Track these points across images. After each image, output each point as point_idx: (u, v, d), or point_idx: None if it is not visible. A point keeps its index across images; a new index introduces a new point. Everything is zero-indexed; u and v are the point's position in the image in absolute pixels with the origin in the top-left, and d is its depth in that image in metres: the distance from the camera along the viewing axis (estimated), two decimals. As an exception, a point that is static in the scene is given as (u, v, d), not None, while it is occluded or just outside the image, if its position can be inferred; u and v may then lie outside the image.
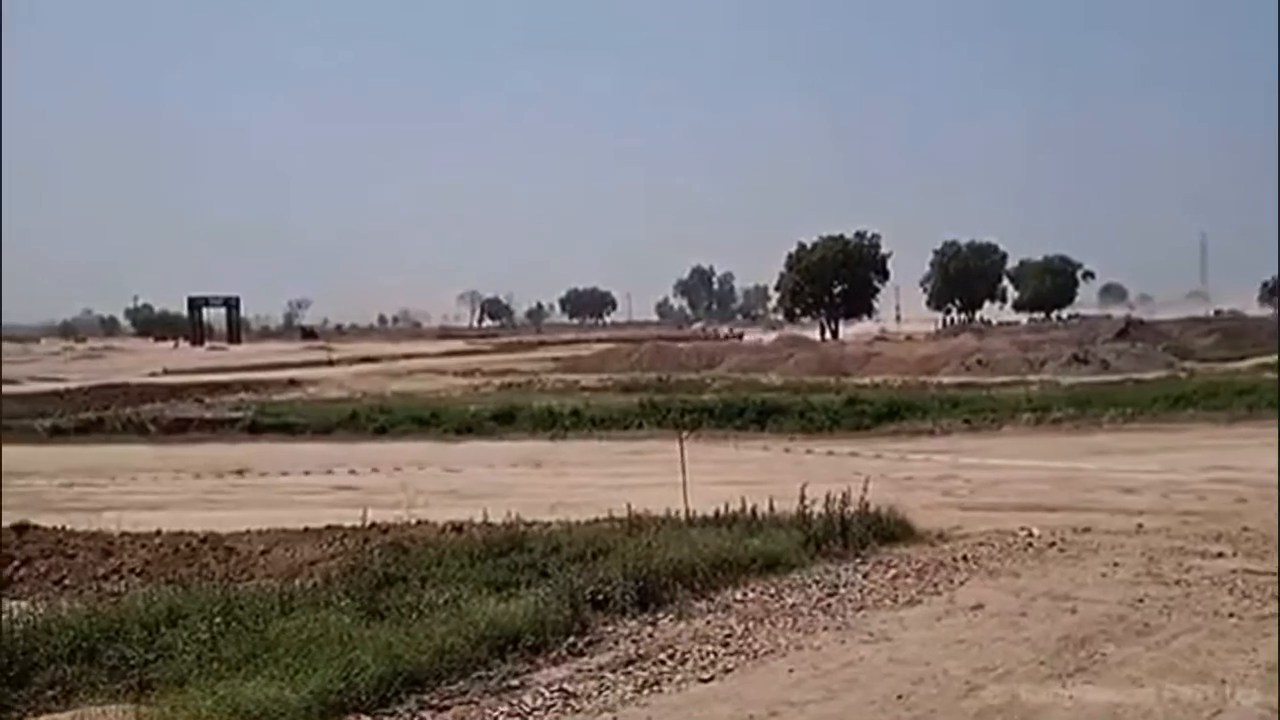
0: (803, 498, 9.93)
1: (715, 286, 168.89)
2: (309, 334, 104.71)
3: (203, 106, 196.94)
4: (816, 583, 8.65)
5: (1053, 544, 10.02)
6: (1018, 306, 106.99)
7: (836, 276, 77.07)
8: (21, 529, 12.32)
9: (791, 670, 6.61)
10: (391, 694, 5.96)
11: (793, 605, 8.04)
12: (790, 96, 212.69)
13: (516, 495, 13.62)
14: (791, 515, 10.01)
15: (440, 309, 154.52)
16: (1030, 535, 10.36)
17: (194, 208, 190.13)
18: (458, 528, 10.89)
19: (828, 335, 72.35)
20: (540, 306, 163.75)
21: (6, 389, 38.23)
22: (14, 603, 8.53)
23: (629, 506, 10.17)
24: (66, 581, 11.10)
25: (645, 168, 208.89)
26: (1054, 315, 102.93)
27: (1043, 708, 5.87)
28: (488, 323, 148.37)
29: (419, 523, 11.41)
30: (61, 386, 39.18)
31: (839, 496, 10.01)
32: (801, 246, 79.56)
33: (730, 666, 6.71)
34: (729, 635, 7.29)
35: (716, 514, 10.27)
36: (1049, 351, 40.65)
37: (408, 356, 59.69)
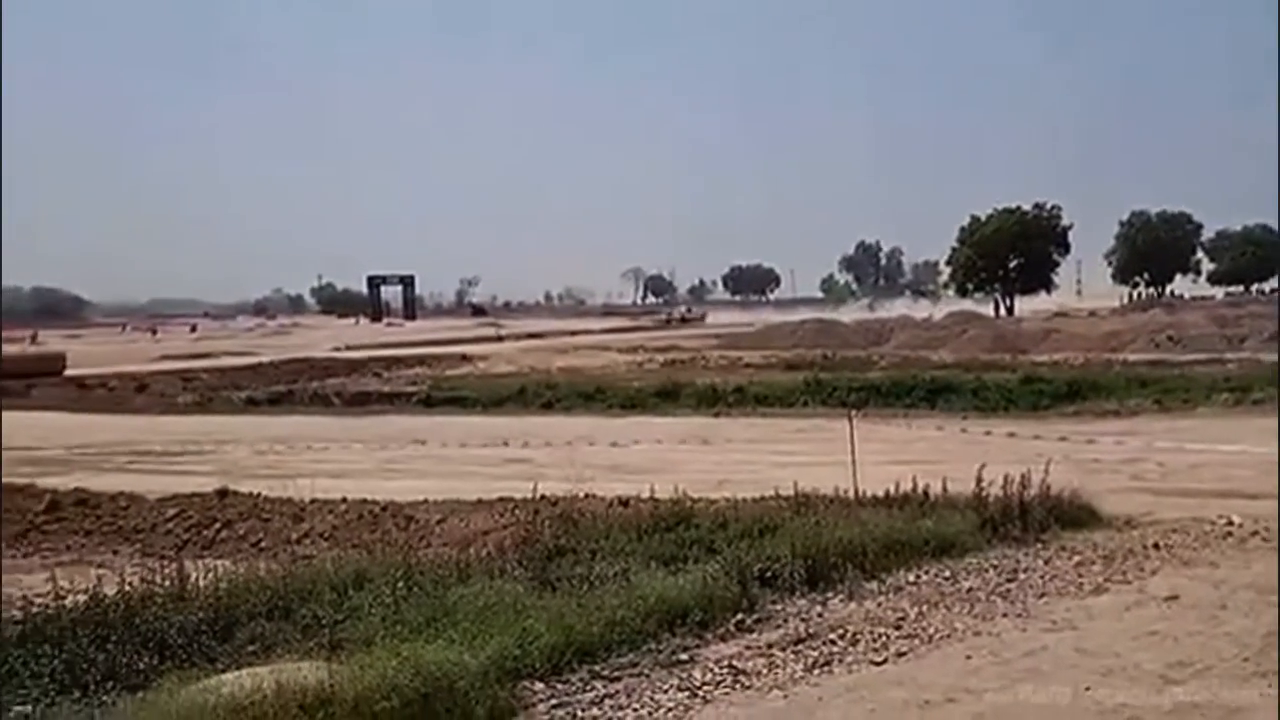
0: (979, 479, 9.57)
1: (882, 262, 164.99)
2: (479, 311, 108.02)
3: (378, 90, 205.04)
4: (994, 567, 8.33)
5: (1255, 533, 9.33)
6: (1213, 280, 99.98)
7: (1013, 250, 73.87)
8: (222, 494, 13.21)
9: (969, 656, 6.38)
10: (564, 663, 6.07)
11: (969, 590, 7.76)
12: (962, 61, 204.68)
13: (681, 471, 13.65)
14: (966, 497, 9.66)
15: (604, 286, 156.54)
16: (1230, 523, 9.67)
17: (373, 190, 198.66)
18: (624, 502, 11.02)
19: (1002, 311, 69.63)
20: (702, 283, 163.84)
21: (207, 363, 41.09)
22: (217, 562, 9.17)
23: (795, 485, 10.05)
24: (262, 544, 11.86)
25: (807, 140, 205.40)
26: (1254, 289, 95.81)
27: (1246, 708, 5.47)
28: (650, 299, 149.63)
29: (587, 496, 11.60)
30: (255, 360, 41.74)
31: (1017, 479, 9.61)
32: (975, 219, 76.56)
33: (903, 650, 6.54)
34: (901, 618, 7.11)
35: (886, 494, 10.03)
36: (1249, 327, 37.92)
37: (573, 333, 60.82)
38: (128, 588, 6.94)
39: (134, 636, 6.16)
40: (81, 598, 6.86)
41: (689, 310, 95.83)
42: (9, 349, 44.21)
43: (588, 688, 5.92)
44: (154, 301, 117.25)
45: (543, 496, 11.35)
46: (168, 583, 7.18)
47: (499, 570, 7.63)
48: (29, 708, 5.16)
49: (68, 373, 36.79)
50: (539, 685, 5.86)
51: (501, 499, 12.25)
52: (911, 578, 8.06)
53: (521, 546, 8.68)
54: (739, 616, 7.04)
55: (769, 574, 7.73)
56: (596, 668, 6.15)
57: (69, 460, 18.22)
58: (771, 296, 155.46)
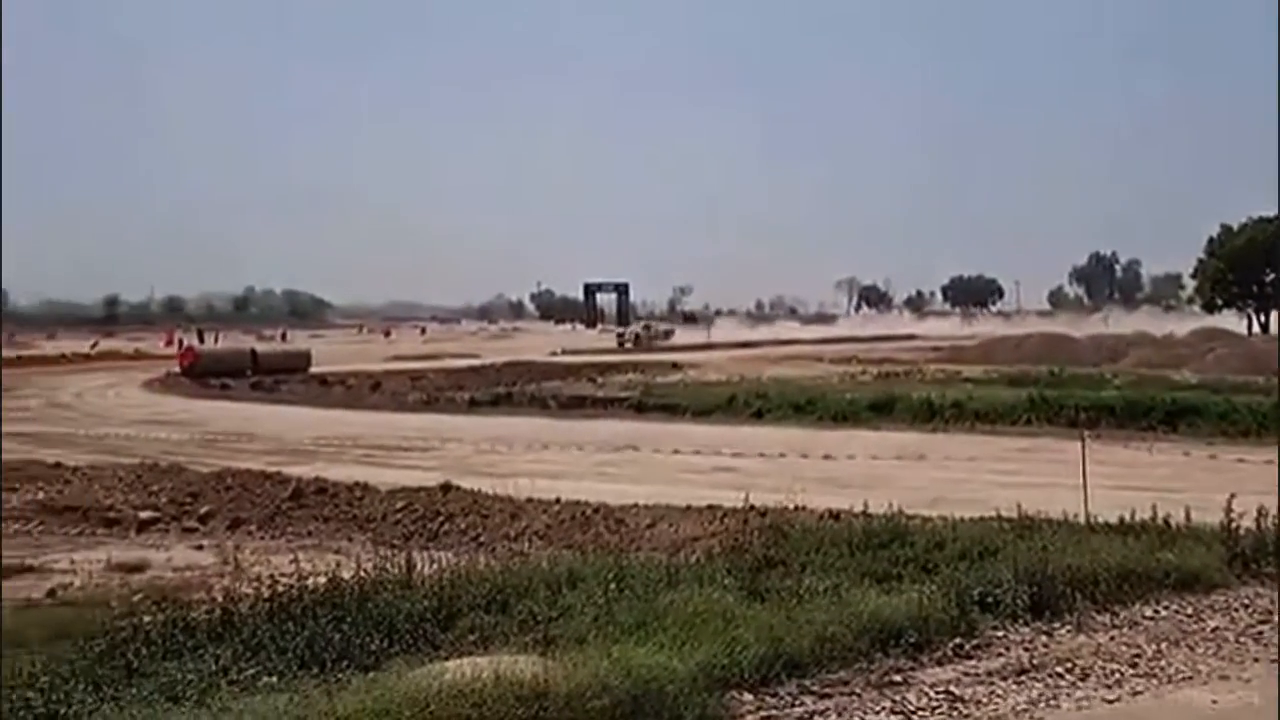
0: (1228, 509, 8.79)
1: (1118, 274, 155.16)
2: (690, 318, 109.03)
3: (595, 104, 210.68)
4: (1245, 606, 7.62)
5: None
6: None
7: (1268, 263, 67.82)
8: (446, 489, 13.88)
9: (1214, 701, 5.87)
10: (772, 675, 5.99)
11: (1215, 629, 7.14)
12: (1214, 52, 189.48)
13: (894, 487, 13.27)
14: (1213, 529, 8.90)
15: (817, 295, 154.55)
16: None
17: (591, 199, 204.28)
18: (835, 515, 10.81)
19: (1255, 328, 64.02)
20: (920, 294, 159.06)
21: (434, 364, 43.43)
22: (440, 553, 9.62)
23: (1019, 506, 9.56)
24: (481, 538, 12.37)
25: (1038, 145, 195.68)
26: None
27: None
28: (865, 310, 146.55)
29: (797, 508, 11.45)
30: (477, 363, 43.77)
31: (1274, 510, 8.76)
32: (1226, 229, 70.76)
33: (1139, 689, 6.07)
34: (1137, 655, 6.61)
35: (1121, 521, 9.35)
36: None
37: (784, 342, 60.39)
38: (361, 573, 7.39)
39: (366, 620, 6.53)
40: (321, 580, 7.36)
41: (647, 327, 76.14)
42: (263, 346, 48.20)
43: (796, 703, 5.81)
44: (388, 305, 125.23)
45: (752, 506, 11.30)
46: (396, 571, 7.60)
47: (708, 577, 7.61)
48: (275, 678, 5.56)
49: (312, 370, 39.83)
50: (747, 696, 5.80)
51: (710, 506, 12.30)
52: (1149, 612, 7.49)
53: (730, 555, 8.65)
54: (956, 641, 6.74)
55: (989, 598, 7.36)
56: (806, 682, 6.03)
57: (311, 451, 19.66)
58: (994, 308, 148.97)
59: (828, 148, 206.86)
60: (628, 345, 64.09)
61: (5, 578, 10.44)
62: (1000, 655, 6.61)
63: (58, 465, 16.72)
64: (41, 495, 14.87)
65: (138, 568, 10.94)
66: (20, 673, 5.51)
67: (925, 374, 35.48)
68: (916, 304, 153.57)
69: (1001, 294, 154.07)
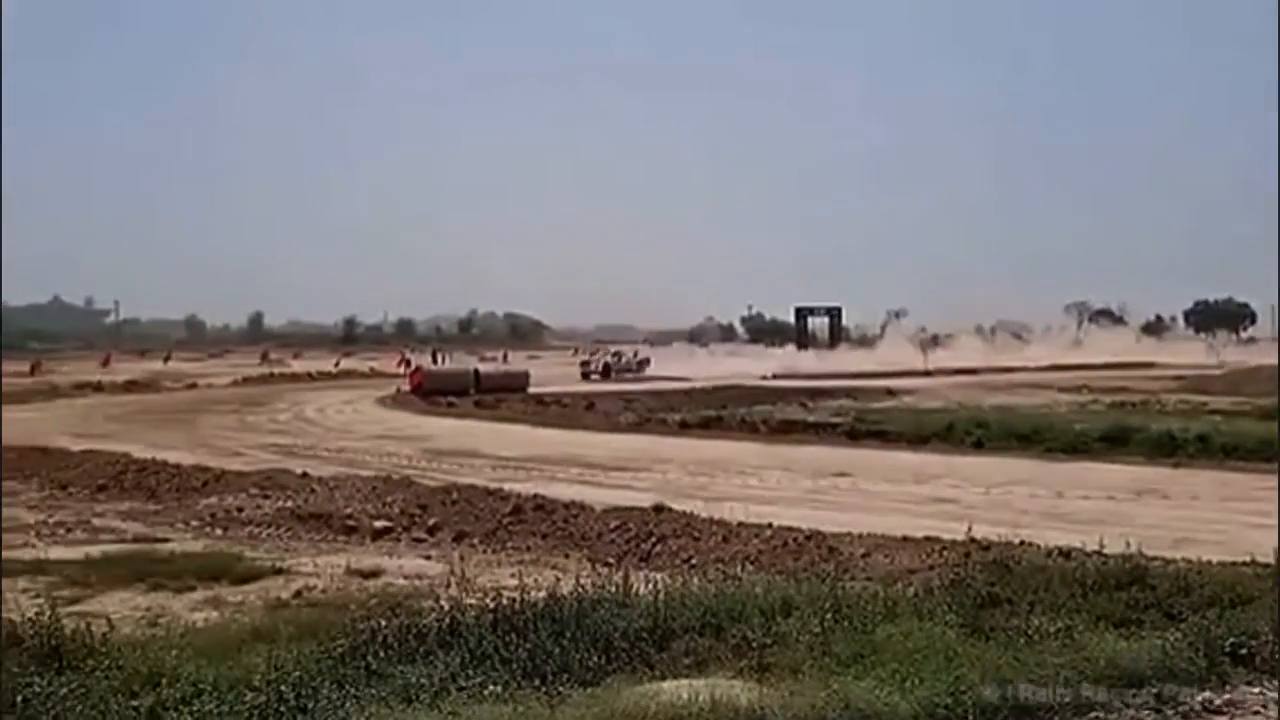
0: None
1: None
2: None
3: (809, 123, 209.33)
4: None
5: None
6: None
7: None
8: (658, 510, 14.05)
9: None
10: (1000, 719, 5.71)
11: None
12: None
13: (1131, 525, 12.40)
14: None
15: (1043, 319, 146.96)
16: None
17: (802, 223, 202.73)
18: (1065, 553, 10.21)
19: None
20: (1159, 318, 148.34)
21: (645, 385, 44.19)
22: (654, 574, 9.75)
23: (1277, 550, 8.73)
24: (693, 560, 12.42)
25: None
26: None
27: None
28: (1096, 334, 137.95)
29: (1022, 543, 10.94)
30: (688, 385, 44.20)
31: None
32: None
33: None
34: None
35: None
36: None
37: (1007, 369, 57.76)
38: (579, 589, 7.59)
39: (584, 635, 6.68)
40: (540, 594, 7.61)
41: (617, 355, 65.56)
42: (485, 366, 50.52)
43: (1026, 751, 5.52)
44: (599, 328, 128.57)
45: (974, 539, 10.86)
46: (613, 589, 7.75)
47: (928, 611, 7.36)
48: (499, 688, 5.78)
49: (530, 390, 41.38)
50: (973, 740, 5.56)
51: (928, 538, 11.91)
52: None
53: (951, 589, 8.32)
54: (1205, 695, 6.21)
55: (1242, 650, 6.75)
56: (1036, 730, 5.72)
57: (530, 468, 20.39)
58: (1244, 334, 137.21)
59: (1057, 163, 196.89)
60: (594, 377, 55.81)
61: (257, 579, 11.38)
62: (1257, 713, 6.05)
63: (304, 475, 18.07)
64: (290, 503, 16.11)
65: (373, 574, 11.63)
66: (276, 666, 5.97)
67: (1165, 404, 33.10)
68: (1155, 329, 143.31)
69: (1254, 319, 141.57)
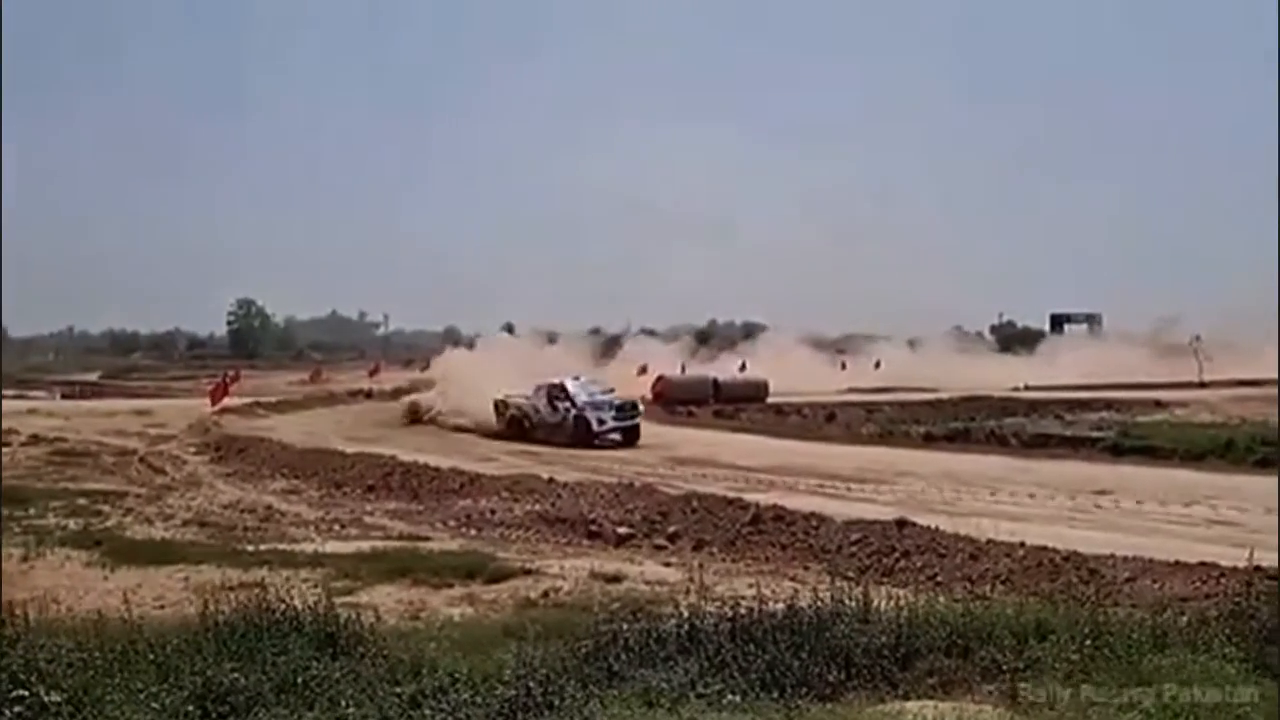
0: None
1: None
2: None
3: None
4: None
5: None
6: None
7: None
8: (901, 524, 13.62)
9: None
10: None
11: None
12: None
13: None
14: None
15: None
16: None
17: (1058, 226, 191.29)
18: (1369, 586, 9.09)
19: None
20: None
21: (890, 396, 43.03)
22: (897, 590, 9.45)
23: None
24: (938, 578, 11.97)
25: None
26: None
27: None
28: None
29: (1318, 572, 9.81)
30: (934, 396, 42.63)
31: None
32: None
33: None
34: None
35: None
36: None
37: (1297, 381, 52.07)
38: (819, 602, 7.46)
39: (823, 649, 6.56)
40: (779, 606, 7.54)
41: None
42: (725, 376, 50.64)
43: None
44: (841, 337, 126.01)
45: (1258, 566, 9.85)
46: (853, 603, 7.57)
47: (1203, 643, 6.75)
48: (738, 697, 5.78)
49: (769, 399, 41.20)
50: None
51: (1204, 564, 10.94)
52: None
53: (1230, 620, 7.58)
54: None
55: None
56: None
57: (769, 479, 20.30)
58: None
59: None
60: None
61: (508, 578, 11.92)
62: None
63: (551, 481, 18.79)
64: (538, 507, 16.81)
65: (615, 578, 11.92)
66: (525, 663, 6.24)
67: None
68: None
69: None
